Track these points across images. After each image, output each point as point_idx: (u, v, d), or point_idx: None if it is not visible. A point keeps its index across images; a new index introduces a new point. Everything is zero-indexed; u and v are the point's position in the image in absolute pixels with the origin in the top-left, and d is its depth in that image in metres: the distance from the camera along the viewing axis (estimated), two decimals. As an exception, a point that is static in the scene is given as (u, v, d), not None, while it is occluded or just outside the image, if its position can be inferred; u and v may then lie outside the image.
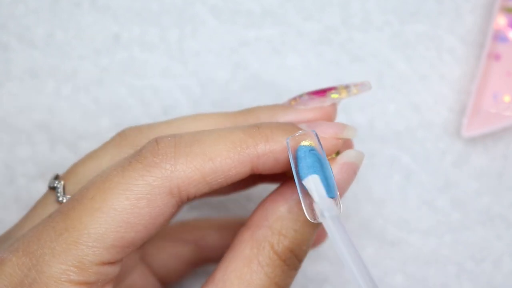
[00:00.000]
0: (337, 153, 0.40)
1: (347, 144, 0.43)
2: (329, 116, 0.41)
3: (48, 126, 0.52)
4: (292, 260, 0.38)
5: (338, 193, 0.37)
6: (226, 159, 0.37)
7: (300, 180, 0.37)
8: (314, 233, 0.39)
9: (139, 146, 0.40)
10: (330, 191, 0.37)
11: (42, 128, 0.52)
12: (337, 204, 0.37)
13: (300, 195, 0.36)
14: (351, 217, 0.52)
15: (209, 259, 0.48)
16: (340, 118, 0.52)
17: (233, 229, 0.48)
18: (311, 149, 0.37)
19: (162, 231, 0.48)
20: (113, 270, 0.36)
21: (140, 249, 0.45)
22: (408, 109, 0.53)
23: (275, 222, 0.38)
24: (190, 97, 0.53)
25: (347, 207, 0.52)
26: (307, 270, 0.52)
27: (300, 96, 0.41)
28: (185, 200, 0.37)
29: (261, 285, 0.37)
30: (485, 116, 0.52)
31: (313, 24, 0.53)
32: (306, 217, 0.37)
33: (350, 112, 0.53)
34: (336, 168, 0.39)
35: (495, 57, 0.52)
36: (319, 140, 0.37)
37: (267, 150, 0.37)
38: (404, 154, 0.53)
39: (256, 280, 0.37)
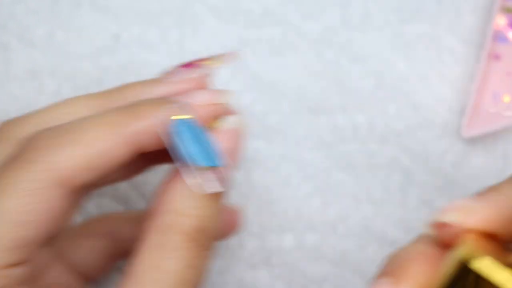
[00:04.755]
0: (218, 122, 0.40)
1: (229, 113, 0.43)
2: (202, 86, 0.41)
3: (48, 126, 0.52)
4: (203, 239, 0.38)
5: (225, 161, 0.37)
6: (104, 142, 0.37)
7: (180, 154, 0.37)
8: (218, 205, 0.39)
9: (14, 139, 0.40)
10: (212, 160, 0.37)
11: (42, 128, 0.52)
12: (225, 172, 0.37)
13: (183, 169, 0.37)
14: (351, 217, 0.52)
15: (128, 252, 0.48)
16: (339, 118, 0.52)
17: None
18: (185, 122, 0.37)
19: (78, 227, 0.48)
20: (20, 271, 0.36)
21: (50, 246, 0.45)
22: (408, 109, 0.53)
23: (175, 204, 0.38)
24: (190, 97, 0.53)
25: (347, 207, 0.52)
26: (307, 270, 0.52)
27: (170, 70, 0.42)
28: (78, 190, 0.37)
29: (174, 270, 0.37)
30: (485, 116, 0.51)
31: (313, 24, 0.53)
32: (204, 191, 0.38)
33: (350, 112, 0.53)
34: (218, 137, 0.39)
35: (495, 57, 0.52)
36: (191, 110, 0.38)
37: (142, 127, 0.38)
38: (404, 154, 0.52)
39: (168, 266, 0.37)
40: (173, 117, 0.37)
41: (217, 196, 0.39)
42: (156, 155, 0.43)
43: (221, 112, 0.40)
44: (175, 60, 0.53)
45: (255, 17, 0.53)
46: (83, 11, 0.53)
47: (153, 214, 0.39)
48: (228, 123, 0.40)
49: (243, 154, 0.40)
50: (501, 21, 0.52)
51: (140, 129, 0.38)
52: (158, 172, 0.53)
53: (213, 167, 0.37)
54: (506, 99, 0.52)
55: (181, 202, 0.38)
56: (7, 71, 0.53)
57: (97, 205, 0.53)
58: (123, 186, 0.53)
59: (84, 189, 0.38)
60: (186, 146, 0.37)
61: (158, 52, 0.53)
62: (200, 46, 0.53)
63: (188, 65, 0.42)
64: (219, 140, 0.39)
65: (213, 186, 0.37)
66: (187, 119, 0.37)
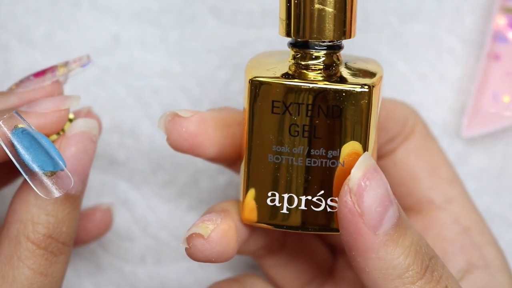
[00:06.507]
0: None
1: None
2: (52, 94, 0.41)
3: (48, 126, 0.52)
4: (54, 245, 0.39)
5: (75, 164, 0.38)
6: None
7: (22, 163, 0.37)
8: (72, 210, 0.39)
9: None
10: (56, 165, 0.37)
11: (42, 128, 0.52)
12: (68, 176, 0.37)
13: (27, 177, 0.37)
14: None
15: None
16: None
17: None
18: (23, 130, 0.38)
19: None
20: None
21: None
22: (408, 109, 0.53)
23: (25, 213, 0.39)
24: (189, 97, 0.53)
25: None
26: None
27: (21, 80, 0.42)
28: None
29: (25, 279, 0.38)
30: (485, 116, 0.52)
31: (313, 24, 0.53)
32: (55, 198, 0.38)
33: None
34: (67, 142, 0.39)
35: (495, 57, 0.52)
36: (23, 118, 0.38)
37: None
38: (404, 154, 0.52)
39: (20, 276, 0.38)
40: (10, 127, 0.38)
41: (68, 200, 0.39)
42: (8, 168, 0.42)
43: (66, 117, 0.40)
44: (175, 60, 0.53)
45: (255, 17, 0.53)
46: (83, 11, 0.53)
47: (4, 225, 0.39)
48: (76, 127, 0.40)
49: (94, 155, 0.41)
50: (501, 21, 0.52)
51: None
52: (158, 173, 0.53)
53: (56, 172, 0.38)
54: (506, 99, 0.52)
55: (27, 211, 0.39)
56: (7, 71, 0.53)
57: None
58: (123, 187, 0.53)
59: None
60: (26, 154, 0.37)
61: (158, 52, 0.53)
62: (200, 46, 0.53)
63: (41, 73, 0.42)
64: (67, 144, 0.39)
65: (58, 190, 0.37)
66: (22, 128, 0.38)
